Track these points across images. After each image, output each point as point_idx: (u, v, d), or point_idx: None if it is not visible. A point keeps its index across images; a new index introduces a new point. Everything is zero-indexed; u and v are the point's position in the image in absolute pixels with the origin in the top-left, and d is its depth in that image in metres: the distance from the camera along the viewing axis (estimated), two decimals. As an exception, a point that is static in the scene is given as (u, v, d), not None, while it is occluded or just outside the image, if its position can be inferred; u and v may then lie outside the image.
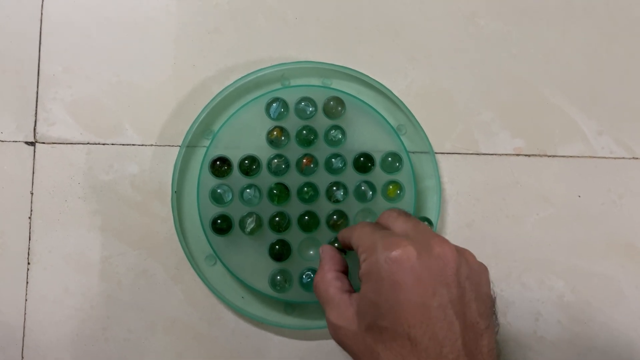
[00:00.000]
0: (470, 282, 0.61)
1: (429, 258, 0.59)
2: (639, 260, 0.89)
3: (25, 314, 0.85)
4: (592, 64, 0.92)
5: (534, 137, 0.90)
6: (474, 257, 0.64)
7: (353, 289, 0.68)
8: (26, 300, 0.85)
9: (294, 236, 0.83)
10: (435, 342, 0.57)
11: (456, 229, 0.88)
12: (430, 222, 0.84)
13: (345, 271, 0.71)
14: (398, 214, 0.68)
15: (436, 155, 0.87)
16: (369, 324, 0.60)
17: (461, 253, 0.62)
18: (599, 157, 0.90)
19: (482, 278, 0.63)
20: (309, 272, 0.82)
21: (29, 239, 0.85)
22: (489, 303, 0.62)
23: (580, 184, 0.89)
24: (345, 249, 0.74)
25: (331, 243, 0.82)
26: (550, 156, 0.89)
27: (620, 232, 0.89)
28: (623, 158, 0.90)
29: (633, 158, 0.90)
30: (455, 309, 0.58)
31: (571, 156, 0.90)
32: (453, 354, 0.57)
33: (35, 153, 0.86)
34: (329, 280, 0.68)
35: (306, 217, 0.83)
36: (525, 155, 0.89)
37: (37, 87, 0.87)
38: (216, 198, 0.82)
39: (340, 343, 0.64)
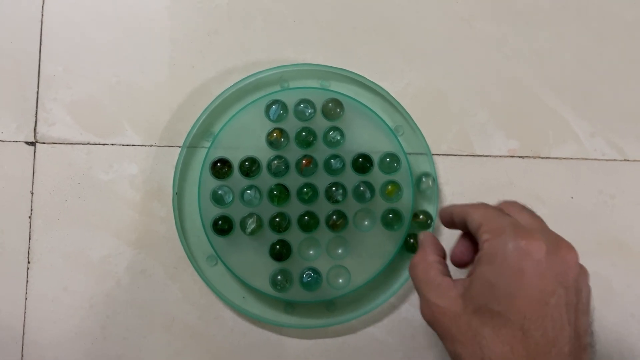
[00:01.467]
0: (584, 296, 0.61)
1: (555, 257, 0.59)
2: (630, 259, 0.91)
3: (25, 312, 0.86)
4: (585, 66, 0.94)
5: (528, 139, 0.92)
6: (589, 276, 0.63)
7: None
8: (26, 299, 0.86)
9: (294, 236, 0.85)
10: (546, 340, 0.57)
11: (451, 230, 0.89)
12: (430, 217, 0.87)
13: (445, 258, 0.70)
14: (522, 207, 0.67)
15: (432, 156, 0.89)
16: (479, 306, 0.59)
17: (581, 265, 0.62)
18: (591, 159, 0.92)
19: (590, 296, 0.63)
20: (309, 272, 0.84)
21: (29, 238, 0.87)
22: (591, 322, 0.62)
23: (573, 185, 0.92)
24: (447, 224, 0.72)
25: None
26: (543, 158, 0.91)
27: (612, 232, 0.91)
28: (615, 160, 0.92)
29: (624, 160, 0.92)
30: (569, 315, 0.58)
31: (564, 158, 0.92)
32: (561, 357, 0.57)
33: (36, 153, 0.87)
34: (431, 262, 0.67)
35: (306, 218, 0.84)
36: (520, 156, 0.91)
37: (38, 87, 0.88)
38: (217, 199, 0.84)
39: (435, 322, 0.63)
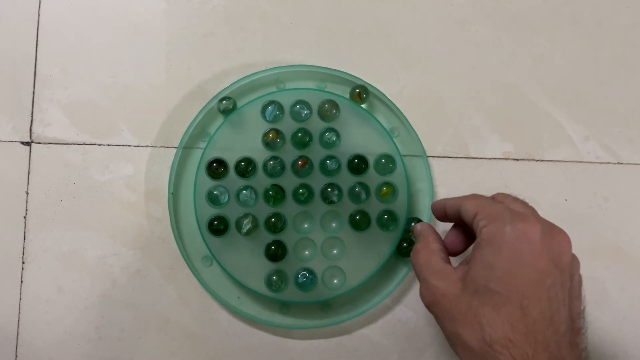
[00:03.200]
0: (576, 281, 0.64)
1: (551, 241, 0.62)
2: (624, 263, 0.93)
3: (19, 313, 0.88)
4: (579, 70, 0.95)
5: (522, 142, 0.93)
6: (580, 265, 0.67)
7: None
8: (20, 299, 0.88)
9: (289, 237, 0.86)
10: (544, 318, 0.59)
11: (446, 231, 0.89)
12: (366, 91, 0.89)
13: (444, 248, 0.73)
14: (515, 197, 0.70)
15: (427, 158, 0.91)
16: (478, 287, 0.62)
17: (574, 255, 0.66)
18: (585, 162, 0.93)
19: (581, 284, 0.66)
20: (305, 272, 0.85)
21: (24, 239, 0.88)
22: (583, 308, 0.65)
23: (567, 188, 0.93)
24: (440, 217, 0.75)
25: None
26: (538, 160, 0.93)
27: (606, 235, 0.93)
28: (608, 163, 0.94)
29: (618, 163, 0.94)
30: (564, 296, 0.61)
31: (558, 160, 0.93)
32: (557, 336, 0.60)
33: (31, 153, 0.89)
34: (433, 249, 0.70)
35: (301, 218, 0.87)
36: (514, 159, 0.93)
37: (34, 87, 0.90)
38: (212, 199, 0.85)
39: (435, 303, 0.65)
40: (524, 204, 0.69)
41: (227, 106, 0.87)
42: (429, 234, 0.73)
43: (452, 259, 0.73)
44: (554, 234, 0.63)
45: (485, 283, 0.61)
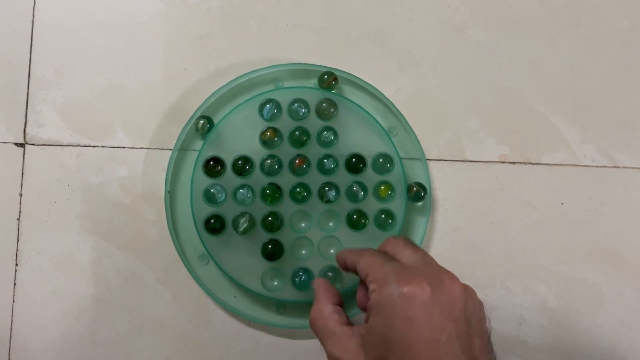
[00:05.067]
0: (474, 319, 0.63)
1: (440, 294, 0.61)
2: (621, 267, 0.94)
3: (12, 315, 0.88)
4: (576, 74, 0.97)
5: (519, 145, 0.95)
6: (475, 293, 0.66)
7: (351, 321, 0.70)
8: (14, 302, 0.88)
9: (286, 236, 0.87)
10: None
11: (442, 234, 0.92)
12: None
13: (341, 304, 0.73)
14: (405, 243, 0.69)
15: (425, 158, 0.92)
16: (378, 357, 0.62)
17: (466, 289, 0.64)
18: (582, 166, 0.95)
19: (482, 314, 0.65)
20: (301, 272, 0.86)
21: (17, 241, 0.89)
22: (487, 338, 0.65)
23: (564, 191, 0.95)
24: (344, 269, 0.75)
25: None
26: (534, 164, 0.94)
27: (602, 239, 0.94)
28: (605, 167, 0.95)
29: (615, 167, 0.95)
30: (462, 345, 0.60)
31: (555, 164, 0.95)
32: None
33: (25, 154, 0.90)
34: (327, 313, 0.70)
35: (298, 217, 0.88)
36: (511, 162, 0.94)
37: (28, 88, 0.91)
38: (209, 198, 0.86)
39: None
40: (413, 249, 0.68)
41: (203, 125, 0.88)
42: (321, 294, 0.74)
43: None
44: (443, 285, 0.63)
45: (382, 355, 0.62)
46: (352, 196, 0.88)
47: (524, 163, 0.95)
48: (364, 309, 0.69)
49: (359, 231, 0.88)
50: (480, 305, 0.66)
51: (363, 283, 0.70)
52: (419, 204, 0.91)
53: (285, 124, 0.89)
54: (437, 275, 0.64)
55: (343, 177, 0.88)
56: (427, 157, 0.93)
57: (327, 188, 0.87)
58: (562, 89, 0.97)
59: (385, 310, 0.62)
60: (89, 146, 0.91)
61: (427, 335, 0.60)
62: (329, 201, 0.87)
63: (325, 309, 0.71)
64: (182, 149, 0.90)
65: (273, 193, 0.86)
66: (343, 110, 0.90)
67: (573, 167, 0.95)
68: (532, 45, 0.97)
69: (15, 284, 0.89)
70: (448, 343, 0.60)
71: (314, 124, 0.89)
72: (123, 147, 0.91)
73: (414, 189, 0.89)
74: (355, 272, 0.71)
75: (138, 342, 0.89)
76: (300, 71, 0.92)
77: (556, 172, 0.95)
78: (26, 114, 0.91)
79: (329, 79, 0.89)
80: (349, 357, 0.65)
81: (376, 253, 0.69)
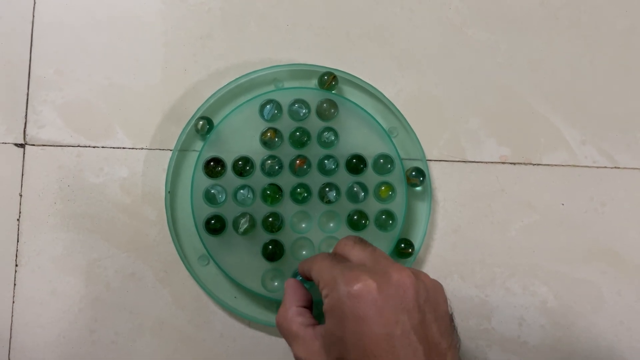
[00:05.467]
0: (429, 305, 0.64)
1: (388, 288, 0.62)
2: (620, 267, 0.95)
3: (12, 316, 0.88)
4: (576, 74, 0.97)
5: (519, 146, 0.95)
6: (428, 277, 0.67)
7: (317, 321, 0.71)
8: (13, 302, 0.88)
9: (287, 236, 0.88)
10: None
11: (442, 234, 0.92)
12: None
13: (308, 304, 0.75)
14: (354, 242, 0.71)
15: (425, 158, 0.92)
16: (336, 358, 0.63)
17: (417, 276, 0.65)
18: (582, 166, 0.95)
19: (439, 297, 0.66)
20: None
21: (17, 241, 0.89)
22: (448, 321, 0.65)
23: (564, 192, 0.95)
24: (307, 280, 0.76)
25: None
26: (535, 164, 0.95)
27: (602, 240, 0.95)
28: (605, 167, 0.96)
29: (615, 167, 0.96)
30: (418, 334, 0.61)
31: (555, 165, 0.95)
32: None
33: (25, 155, 0.90)
34: (291, 316, 0.71)
35: (299, 217, 0.88)
36: (511, 163, 0.95)
37: (28, 88, 0.91)
38: (210, 198, 0.86)
39: None
40: (362, 247, 0.70)
41: (203, 126, 0.88)
42: (288, 296, 0.75)
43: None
44: (390, 278, 0.64)
45: (340, 355, 0.63)
46: (353, 197, 0.88)
47: (524, 164, 0.95)
48: None
49: (360, 232, 0.88)
50: (435, 288, 0.67)
51: None
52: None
53: (286, 125, 0.89)
54: (383, 269, 0.65)
55: (343, 178, 0.89)
56: (428, 157, 0.94)
57: (327, 189, 0.87)
58: (562, 89, 0.97)
59: (336, 312, 0.63)
60: (89, 146, 0.91)
61: (380, 330, 0.61)
62: (329, 202, 0.87)
63: (290, 311, 0.72)
64: (182, 150, 0.90)
65: (273, 194, 0.87)
66: (343, 111, 0.90)
67: (573, 167, 0.96)
68: (532, 45, 0.98)
69: (15, 284, 0.89)
70: (403, 335, 0.61)
71: (314, 124, 0.89)
72: (123, 148, 0.91)
73: (412, 173, 0.90)
74: (311, 279, 0.72)
75: (138, 342, 0.89)
76: (301, 72, 0.92)
77: (556, 172, 0.95)
78: (26, 115, 0.91)
79: (328, 80, 0.89)
80: (312, 358, 0.67)
81: (326, 257, 0.71)
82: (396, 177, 0.89)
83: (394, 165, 0.89)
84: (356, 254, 0.69)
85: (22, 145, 0.90)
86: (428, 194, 0.91)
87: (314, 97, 0.89)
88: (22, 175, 0.90)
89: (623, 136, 0.97)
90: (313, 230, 0.88)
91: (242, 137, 0.89)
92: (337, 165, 0.88)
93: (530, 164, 0.95)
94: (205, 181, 0.87)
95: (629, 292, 0.95)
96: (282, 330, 0.72)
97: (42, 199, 0.90)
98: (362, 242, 0.71)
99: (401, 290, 0.63)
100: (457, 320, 0.69)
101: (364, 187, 0.88)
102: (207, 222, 0.86)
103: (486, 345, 0.92)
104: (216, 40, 0.94)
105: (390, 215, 0.88)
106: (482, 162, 0.95)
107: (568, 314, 0.93)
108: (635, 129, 0.97)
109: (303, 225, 0.89)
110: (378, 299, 0.61)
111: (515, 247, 0.94)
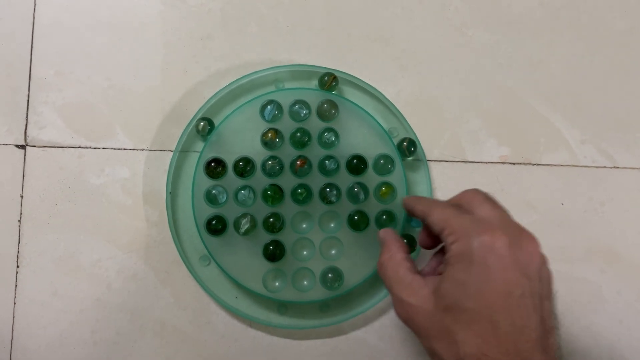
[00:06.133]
0: (546, 282, 0.65)
1: (517, 249, 0.63)
2: (620, 266, 0.95)
3: (13, 317, 0.89)
4: (576, 74, 0.98)
5: (519, 146, 0.96)
6: (548, 262, 0.67)
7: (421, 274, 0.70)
8: (15, 303, 0.89)
9: (287, 237, 0.88)
10: (515, 329, 0.61)
11: None
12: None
13: (409, 253, 0.74)
14: (484, 198, 0.70)
15: (425, 157, 0.93)
16: (449, 304, 0.63)
17: (542, 254, 0.66)
18: (582, 166, 0.96)
19: (551, 283, 0.67)
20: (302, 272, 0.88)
21: (19, 242, 0.89)
22: (553, 305, 0.67)
23: (564, 191, 0.95)
24: (409, 214, 0.77)
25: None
26: (534, 164, 0.95)
27: (602, 239, 0.95)
28: (605, 167, 0.96)
29: (614, 167, 0.96)
30: (534, 303, 0.62)
31: (555, 165, 0.95)
32: (529, 343, 0.61)
33: (26, 156, 0.90)
34: (399, 260, 0.71)
35: (300, 218, 0.89)
36: (511, 163, 0.95)
37: (29, 90, 0.91)
38: (211, 199, 0.87)
39: (410, 320, 0.67)
40: (493, 206, 0.69)
41: (203, 127, 0.88)
42: (392, 243, 0.75)
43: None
44: (522, 242, 0.65)
45: (456, 300, 0.63)
46: (353, 197, 0.88)
47: (524, 164, 0.96)
48: (427, 247, 0.75)
49: (360, 232, 0.88)
50: (551, 273, 0.67)
51: (427, 227, 0.73)
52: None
53: (287, 125, 0.89)
54: (517, 231, 0.66)
55: (344, 178, 0.89)
56: (428, 158, 0.94)
57: (328, 189, 0.88)
58: (562, 89, 0.97)
59: (464, 257, 0.64)
60: (90, 148, 0.91)
61: (501, 287, 0.62)
62: (330, 202, 0.88)
63: (398, 255, 0.73)
64: (183, 151, 0.90)
65: (274, 194, 0.87)
66: (344, 112, 0.90)
67: (573, 167, 0.96)
68: (532, 45, 0.98)
69: (16, 285, 0.89)
70: (521, 298, 0.62)
71: (315, 125, 0.90)
72: (124, 149, 0.91)
73: (404, 144, 0.90)
74: (423, 220, 0.73)
75: (139, 343, 0.90)
76: (301, 72, 0.92)
77: (556, 172, 0.96)
78: (27, 116, 0.91)
79: (329, 80, 0.89)
80: (418, 302, 0.66)
81: (449, 206, 0.71)
82: (396, 178, 0.90)
83: (394, 165, 0.89)
84: (485, 210, 0.69)
85: (23, 147, 0.91)
86: (428, 194, 0.92)
87: (314, 98, 0.90)
88: (23, 176, 0.90)
89: (623, 136, 0.97)
90: (314, 231, 0.89)
91: (242, 138, 0.89)
92: (338, 166, 0.88)
93: (530, 164, 0.96)
94: (206, 182, 0.87)
95: (629, 292, 0.95)
96: (386, 272, 0.72)
97: (43, 200, 0.90)
98: (493, 200, 0.71)
99: (528, 257, 0.64)
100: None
101: (364, 188, 0.88)
102: (208, 223, 0.87)
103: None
104: (217, 41, 0.94)
105: (390, 215, 0.89)
106: (482, 162, 0.95)
107: (567, 312, 0.93)
108: (635, 129, 0.98)
109: (304, 226, 0.89)
110: (506, 255, 0.63)
111: (515, 246, 0.93)
